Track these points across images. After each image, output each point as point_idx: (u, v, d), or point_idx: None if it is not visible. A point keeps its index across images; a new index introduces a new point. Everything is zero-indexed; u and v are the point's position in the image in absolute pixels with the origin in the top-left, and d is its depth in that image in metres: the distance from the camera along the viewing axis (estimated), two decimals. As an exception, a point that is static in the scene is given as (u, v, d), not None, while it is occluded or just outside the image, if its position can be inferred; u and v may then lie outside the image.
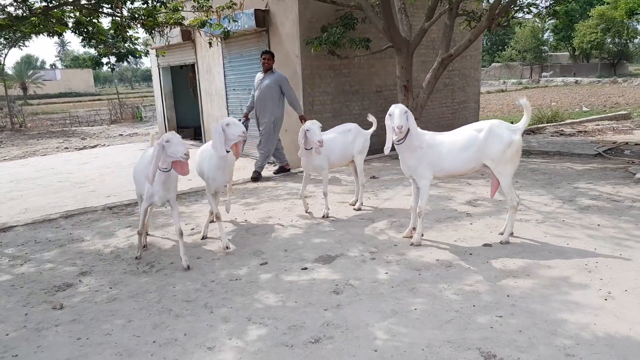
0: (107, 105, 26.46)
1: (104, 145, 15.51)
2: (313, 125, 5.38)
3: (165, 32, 7.92)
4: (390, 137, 4.49)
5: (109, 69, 9.30)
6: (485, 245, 4.58)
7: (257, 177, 8.13)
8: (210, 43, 8.75)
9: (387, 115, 4.49)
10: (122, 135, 18.21)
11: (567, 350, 2.84)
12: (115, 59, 8.63)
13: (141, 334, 3.39)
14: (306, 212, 5.96)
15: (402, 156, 4.63)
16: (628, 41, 44.18)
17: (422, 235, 4.72)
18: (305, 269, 4.32)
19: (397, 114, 4.37)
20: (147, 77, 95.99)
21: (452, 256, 4.37)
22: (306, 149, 5.52)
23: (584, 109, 18.96)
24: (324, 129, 5.58)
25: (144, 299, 3.92)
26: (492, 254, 4.35)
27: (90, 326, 3.53)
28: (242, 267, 4.45)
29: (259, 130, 8.40)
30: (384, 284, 3.92)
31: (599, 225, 4.87)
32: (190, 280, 4.23)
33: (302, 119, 7.88)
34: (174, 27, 8.07)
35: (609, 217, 5.06)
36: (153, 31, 7.09)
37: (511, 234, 4.63)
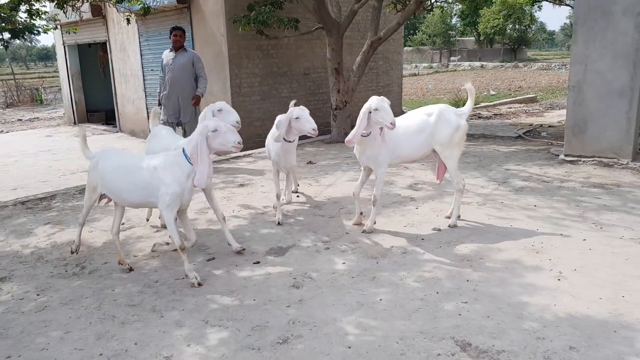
0: (0, 87, 23.84)
1: (2, 131, 13.94)
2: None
3: (77, 5, 7.14)
4: (360, 131, 4.22)
5: (2, 46, 8.26)
6: (435, 229, 4.62)
7: None
8: (128, 20, 8.05)
9: (365, 107, 4.18)
10: (21, 120, 16.51)
11: (536, 334, 2.90)
12: (10, 35, 7.65)
13: (84, 346, 3.01)
14: (278, 223, 4.91)
15: (361, 147, 4.48)
16: (527, 27, 47.57)
17: (375, 222, 4.66)
18: (258, 262, 4.10)
19: (388, 109, 4.12)
20: (44, 56, 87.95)
21: (405, 242, 4.35)
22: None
23: (491, 92, 20.05)
24: (251, 112, 5.22)
25: (81, 306, 3.51)
26: (443, 238, 4.39)
27: (21, 341, 3.09)
28: (187, 264, 4.12)
29: (177, 119, 7.24)
30: (343, 274, 3.80)
31: (535, 206, 5.11)
32: (131, 282, 3.85)
33: (196, 100, 7.09)
34: (85, 1, 7.31)
35: (542, 198, 5.32)
36: (65, 5, 6.32)
37: (458, 217, 4.71)
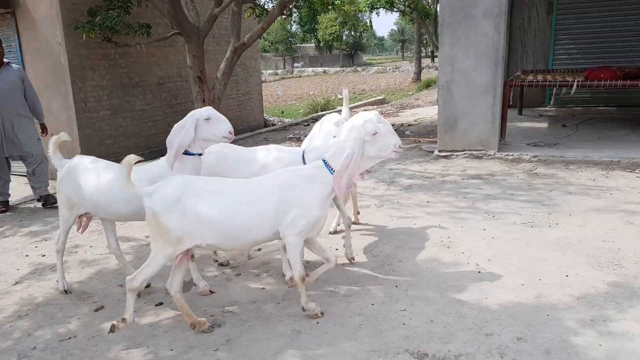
0: None
1: None
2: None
3: None
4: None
5: None
6: (333, 233, 4.53)
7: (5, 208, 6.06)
8: None
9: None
10: None
11: (483, 331, 2.88)
12: None
13: None
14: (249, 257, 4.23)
15: None
16: (362, 34, 51.10)
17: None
18: (161, 304, 3.52)
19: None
20: None
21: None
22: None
23: (339, 96, 20.97)
24: (101, 130, 4.45)
25: None
26: (357, 245, 4.26)
27: None
28: (69, 319, 3.39)
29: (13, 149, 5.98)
30: (267, 301, 3.44)
31: (428, 202, 5.27)
32: (-3, 354, 3.01)
33: (44, 129, 6.10)
34: None
35: (431, 193, 5.53)
36: None
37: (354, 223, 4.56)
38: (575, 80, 6.35)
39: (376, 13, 23.09)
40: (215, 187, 2.93)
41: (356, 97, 20.30)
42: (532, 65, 9.60)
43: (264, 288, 3.63)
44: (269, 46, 52.99)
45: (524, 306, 3.12)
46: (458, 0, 6.24)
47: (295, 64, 48.80)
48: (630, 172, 5.69)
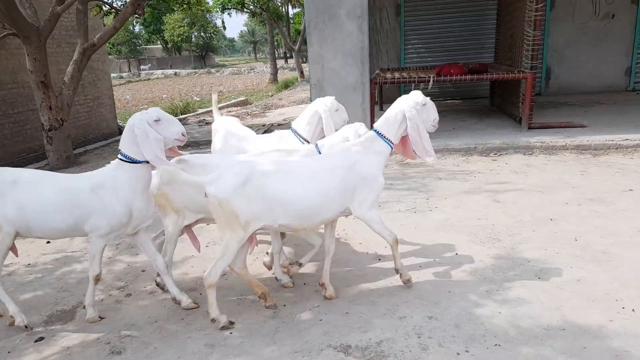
0: None
1: None
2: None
3: None
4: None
5: None
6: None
7: None
8: None
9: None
10: None
11: (397, 315, 2.98)
12: None
13: None
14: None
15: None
16: (212, 35, 49.97)
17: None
18: (42, 339, 3.03)
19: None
20: None
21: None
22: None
23: (195, 98, 20.30)
24: None
25: None
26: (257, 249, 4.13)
27: None
28: None
29: None
30: (169, 319, 3.16)
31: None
32: None
33: None
34: None
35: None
36: None
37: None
38: (432, 76, 6.95)
39: (228, 14, 22.69)
40: (281, 168, 2.90)
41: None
42: (386, 64, 10.29)
43: (164, 305, 3.33)
44: (111, 48, 49.24)
45: (427, 286, 3.31)
46: (322, 0, 6.41)
47: (142, 67, 46.02)
48: (486, 156, 6.41)
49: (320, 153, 3.38)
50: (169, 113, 12.77)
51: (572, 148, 6.29)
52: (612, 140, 6.25)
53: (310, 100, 7.08)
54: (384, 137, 3.12)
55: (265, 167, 2.86)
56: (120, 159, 2.99)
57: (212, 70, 39.94)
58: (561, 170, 5.64)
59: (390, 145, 3.14)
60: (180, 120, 12.22)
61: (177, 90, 25.22)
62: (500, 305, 3.02)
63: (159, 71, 42.09)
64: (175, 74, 39.48)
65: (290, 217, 2.87)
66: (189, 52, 50.11)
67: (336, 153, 3.14)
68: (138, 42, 51.91)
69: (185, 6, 11.38)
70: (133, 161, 2.96)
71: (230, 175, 2.78)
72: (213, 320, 2.95)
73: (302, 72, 24.85)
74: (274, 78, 24.82)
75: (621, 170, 5.52)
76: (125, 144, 2.96)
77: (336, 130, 3.65)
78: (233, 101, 15.98)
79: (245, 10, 24.05)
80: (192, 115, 13.20)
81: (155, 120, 2.96)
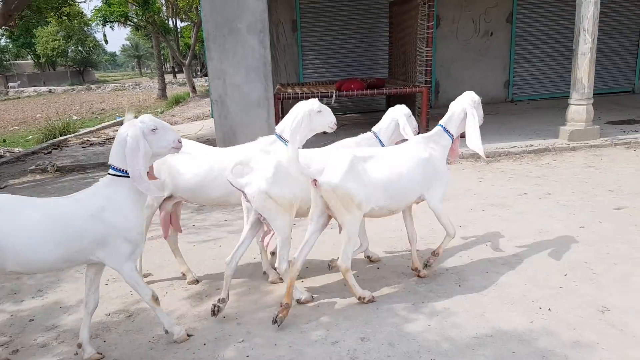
0: None
1: None
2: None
3: None
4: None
5: None
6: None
7: None
8: None
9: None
10: None
11: (328, 340, 2.84)
12: None
13: None
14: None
15: None
16: (92, 49, 46.52)
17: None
18: None
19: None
20: None
21: (157, 287, 3.50)
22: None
23: (74, 117, 18.71)
24: None
25: None
26: (164, 284, 3.76)
27: None
28: None
29: None
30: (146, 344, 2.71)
31: (226, 220, 5.03)
32: None
33: None
34: None
35: (227, 211, 5.25)
36: None
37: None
38: (335, 92, 6.99)
39: (110, 27, 21.20)
40: (374, 155, 3.18)
41: (96, 117, 18.44)
42: (286, 79, 10.25)
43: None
44: (-32, 64, 44.10)
45: (354, 305, 3.21)
46: (221, 14, 6.17)
47: (11, 84, 41.53)
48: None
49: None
50: (45, 134, 11.53)
51: (468, 156, 6.67)
52: (502, 148, 6.74)
53: (211, 117, 6.76)
54: (449, 132, 3.44)
55: (362, 154, 3.13)
56: (113, 175, 2.61)
57: (92, 86, 37.22)
58: (461, 178, 5.92)
59: (452, 139, 3.45)
60: (60, 142, 11.11)
61: (54, 108, 23.06)
62: (429, 317, 3.01)
63: (31, 88, 38.32)
64: (50, 91, 36.23)
65: (389, 199, 3.14)
66: (65, 68, 46.23)
67: (408, 145, 3.41)
68: (5, 57, 46.84)
69: (64, 18, 10.38)
70: (125, 175, 2.60)
71: (338, 163, 3.01)
72: (360, 298, 3.16)
73: (194, 88, 24.06)
74: (163, 94, 23.73)
75: (513, 175, 5.94)
76: (116, 156, 2.61)
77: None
78: (119, 120, 14.92)
79: (128, 23, 22.78)
80: (74, 136, 12.06)
81: (152, 130, 2.62)
